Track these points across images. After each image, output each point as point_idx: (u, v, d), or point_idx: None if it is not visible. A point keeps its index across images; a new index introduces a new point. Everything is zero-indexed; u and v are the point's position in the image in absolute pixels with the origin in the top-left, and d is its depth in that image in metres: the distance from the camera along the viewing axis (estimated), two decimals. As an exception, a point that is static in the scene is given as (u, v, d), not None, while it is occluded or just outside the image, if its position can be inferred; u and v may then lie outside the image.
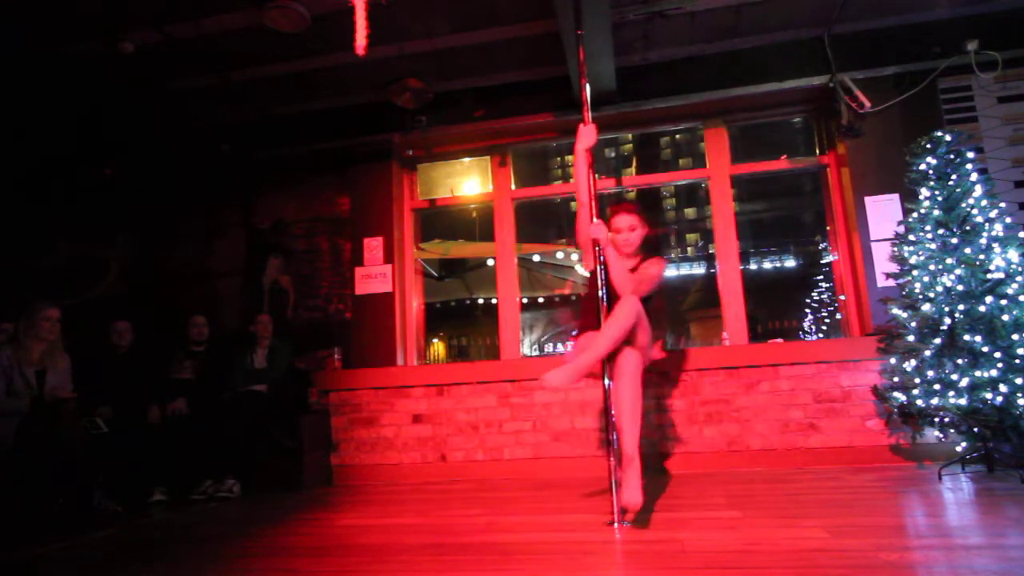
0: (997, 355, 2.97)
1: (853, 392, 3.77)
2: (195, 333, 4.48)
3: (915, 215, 3.40)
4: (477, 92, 4.66)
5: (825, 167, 4.48)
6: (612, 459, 2.51)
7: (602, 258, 2.69)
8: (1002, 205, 3.30)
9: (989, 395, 2.96)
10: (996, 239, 3.15)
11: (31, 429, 3.38)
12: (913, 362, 3.24)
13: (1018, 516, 2.23)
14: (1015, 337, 2.96)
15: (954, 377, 3.05)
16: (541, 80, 4.52)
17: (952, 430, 3.16)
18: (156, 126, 4.97)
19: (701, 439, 3.91)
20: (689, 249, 32.55)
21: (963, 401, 3.01)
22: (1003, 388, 2.94)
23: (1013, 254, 3.10)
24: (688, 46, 4.32)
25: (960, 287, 3.12)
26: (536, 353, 12.17)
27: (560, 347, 12.60)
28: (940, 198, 3.31)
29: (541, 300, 10.79)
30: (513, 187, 4.86)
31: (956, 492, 2.74)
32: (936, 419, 3.14)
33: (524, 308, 5.13)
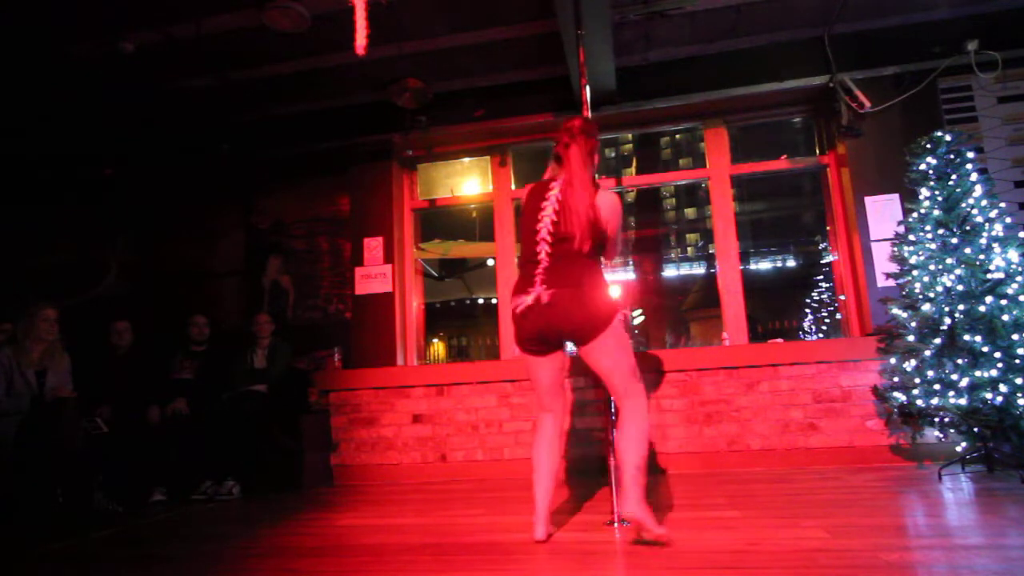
0: (997, 355, 2.97)
1: (853, 392, 3.77)
2: (195, 333, 4.48)
3: (915, 215, 3.40)
4: (477, 92, 4.66)
5: (825, 167, 4.48)
6: (612, 459, 2.51)
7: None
8: (1002, 205, 3.30)
9: (989, 395, 2.96)
10: (996, 239, 3.15)
11: (31, 429, 3.39)
12: (913, 362, 3.24)
13: (1018, 516, 2.23)
14: (1015, 337, 2.96)
15: (954, 377, 3.05)
16: (541, 80, 4.52)
17: (952, 430, 3.16)
18: (156, 126, 4.97)
19: (701, 439, 3.90)
20: (689, 249, 32.56)
21: (963, 401, 3.01)
22: (1003, 388, 2.94)
23: (1013, 254, 3.10)
24: (688, 46, 4.32)
25: (960, 287, 3.12)
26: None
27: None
28: (940, 198, 3.31)
29: (541, 300, 10.75)
30: (513, 187, 4.86)
31: (956, 492, 2.74)
32: (936, 419, 3.14)
33: (524, 308, 5.12)
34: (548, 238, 2.22)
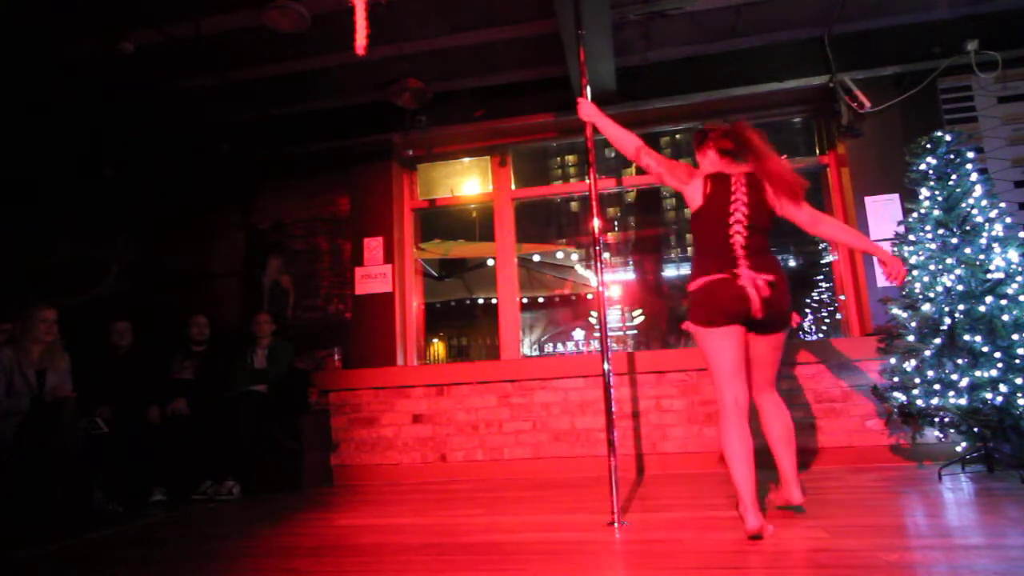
0: (997, 355, 2.97)
1: (853, 392, 3.77)
2: (196, 333, 4.47)
3: (915, 215, 3.40)
4: (477, 92, 4.66)
5: (825, 167, 4.48)
6: (612, 459, 2.51)
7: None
8: (1002, 205, 3.30)
9: (989, 395, 2.95)
10: (996, 239, 3.14)
11: (31, 429, 3.38)
12: (913, 362, 3.24)
13: (1018, 516, 2.23)
14: (1015, 337, 2.95)
15: (954, 377, 3.05)
16: (541, 80, 4.52)
17: (952, 430, 3.16)
18: (156, 126, 4.97)
19: (701, 439, 3.90)
20: (689, 249, 32.59)
21: (963, 401, 3.00)
22: (1003, 388, 2.93)
23: (1013, 254, 3.10)
24: (688, 46, 4.32)
25: (960, 287, 3.12)
26: (536, 353, 12.17)
27: (559, 347, 12.57)
28: (940, 198, 3.30)
29: (541, 300, 10.80)
30: (513, 187, 4.86)
31: (956, 492, 2.74)
32: (936, 419, 3.13)
33: (524, 308, 5.13)
34: (744, 221, 2.39)
